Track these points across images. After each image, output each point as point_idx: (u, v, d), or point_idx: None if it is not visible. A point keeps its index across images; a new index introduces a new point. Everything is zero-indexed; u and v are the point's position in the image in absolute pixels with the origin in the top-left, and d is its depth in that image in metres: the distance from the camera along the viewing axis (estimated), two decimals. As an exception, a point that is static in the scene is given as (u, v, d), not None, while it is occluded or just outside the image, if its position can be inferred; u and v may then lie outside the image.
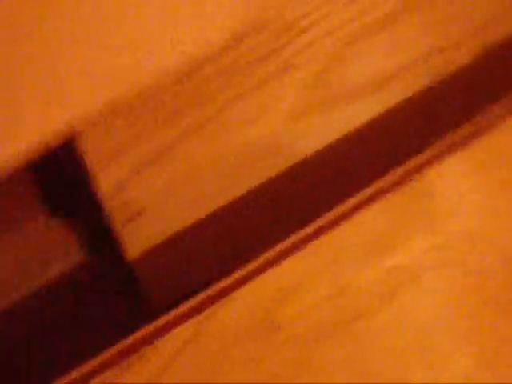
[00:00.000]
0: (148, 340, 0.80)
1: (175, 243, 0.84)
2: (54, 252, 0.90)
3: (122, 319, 0.86)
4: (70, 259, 0.89)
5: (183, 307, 0.83)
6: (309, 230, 0.85)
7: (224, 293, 0.85)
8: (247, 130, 0.84)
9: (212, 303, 0.84)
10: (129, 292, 0.88)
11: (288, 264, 0.84)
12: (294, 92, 0.86)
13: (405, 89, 0.93)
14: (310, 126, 0.88)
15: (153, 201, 0.81)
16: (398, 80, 0.92)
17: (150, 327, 0.82)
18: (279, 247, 0.85)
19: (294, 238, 0.85)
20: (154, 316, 0.85)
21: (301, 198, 0.92)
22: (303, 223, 0.87)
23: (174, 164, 0.83)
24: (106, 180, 0.80)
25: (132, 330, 0.82)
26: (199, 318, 0.83)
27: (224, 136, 0.84)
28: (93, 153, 0.79)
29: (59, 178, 0.88)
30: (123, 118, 0.77)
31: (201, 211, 0.87)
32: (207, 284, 0.88)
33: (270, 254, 0.84)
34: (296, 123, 0.87)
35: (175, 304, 0.85)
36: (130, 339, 0.81)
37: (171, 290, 0.89)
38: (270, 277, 0.84)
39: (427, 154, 0.87)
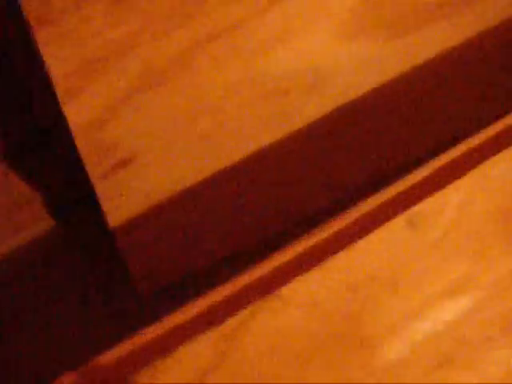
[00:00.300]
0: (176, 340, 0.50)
1: (173, 208, 0.65)
2: (18, 216, 0.68)
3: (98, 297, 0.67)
4: (38, 225, 0.70)
5: (207, 299, 0.52)
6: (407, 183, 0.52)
7: (272, 282, 0.52)
8: (277, 51, 0.62)
9: (251, 299, 0.51)
10: (108, 267, 0.65)
11: (374, 240, 0.50)
12: (349, 4, 0.63)
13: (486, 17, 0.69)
14: (366, 52, 0.65)
15: (144, 147, 0.62)
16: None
17: (175, 319, 0.51)
18: (359, 210, 0.51)
19: (383, 196, 0.51)
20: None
21: (350, 154, 0.68)
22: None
23: (174, 93, 0.60)
24: (79, 110, 0.59)
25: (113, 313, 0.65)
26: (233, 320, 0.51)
27: (245, 58, 0.60)
28: (58, 66, 0.55)
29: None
30: (101, 9, 0.53)
31: (209, 167, 0.64)
32: (211, 267, 0.67)
33: (345, 219, 0.51)
34: (347, 47, 0.64)
35: (166, 288, 0.65)
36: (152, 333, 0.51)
37: (164, 269, 0.67)
38: (349, 260, 0.50)
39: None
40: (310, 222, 0.71)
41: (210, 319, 0.48)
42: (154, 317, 0.68)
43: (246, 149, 0.64)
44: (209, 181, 0.65)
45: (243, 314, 0.48)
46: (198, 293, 0.67)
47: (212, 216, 0.65)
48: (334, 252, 0.49)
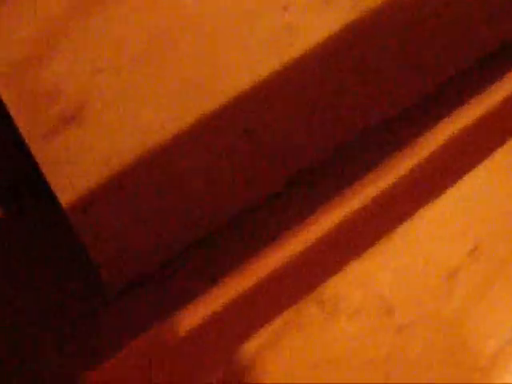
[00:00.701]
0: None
1: (141, 174, 0.50)
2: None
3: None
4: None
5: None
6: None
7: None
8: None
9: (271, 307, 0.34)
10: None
11: (481, 180, 0.30)
12: None
13: None
14: None
15: (96, 92, 0.46)
16: None
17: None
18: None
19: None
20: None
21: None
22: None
23: (134, 7, 0.43)
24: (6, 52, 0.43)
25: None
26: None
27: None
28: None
29: None
30: None
31: (188, 112, 0.49)
32: (197, 246, 0.52)
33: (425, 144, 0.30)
34: None
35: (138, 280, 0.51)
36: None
37: (134, 256, 0.53)
38: (437, 223, 0.31)
39: None
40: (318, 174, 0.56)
41: (220, 342, 0.30)
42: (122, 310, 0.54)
43: (238, 83, 0.49)
44: (187, 132, 0.49)
45: (266, 332, 0.29)
46: (180, 286, 0.53)
47: (193, 180, 0.50)
48: (406, 214, 0.29)
